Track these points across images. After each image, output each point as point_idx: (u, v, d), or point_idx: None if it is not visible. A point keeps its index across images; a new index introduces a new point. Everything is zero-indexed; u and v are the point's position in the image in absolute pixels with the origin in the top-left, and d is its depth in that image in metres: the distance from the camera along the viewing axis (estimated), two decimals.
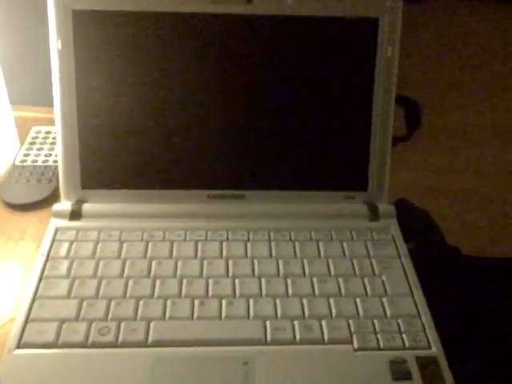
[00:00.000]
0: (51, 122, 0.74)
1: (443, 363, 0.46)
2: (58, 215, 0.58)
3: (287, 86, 0.58)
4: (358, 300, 0.51)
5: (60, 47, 0.55)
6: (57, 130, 0.57)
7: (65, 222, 0.57)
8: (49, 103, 0.70)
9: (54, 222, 0.57)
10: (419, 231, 0.64)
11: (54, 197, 0.63)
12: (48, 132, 0.74)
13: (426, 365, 0.46)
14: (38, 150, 0.71)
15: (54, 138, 0.72)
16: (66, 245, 0.55)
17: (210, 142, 0.58)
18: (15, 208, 0.63)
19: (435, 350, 0.47)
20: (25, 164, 0.68)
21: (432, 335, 0.48)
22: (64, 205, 0.58)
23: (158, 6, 0.55)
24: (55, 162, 0.68)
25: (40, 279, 0.51)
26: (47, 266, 0.53)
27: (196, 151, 0.58)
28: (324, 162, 0.60)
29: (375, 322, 0.49)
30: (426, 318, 0.50)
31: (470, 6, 2.52)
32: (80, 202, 0.58)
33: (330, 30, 0.57)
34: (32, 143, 0.72)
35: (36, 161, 0.69)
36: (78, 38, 0.55)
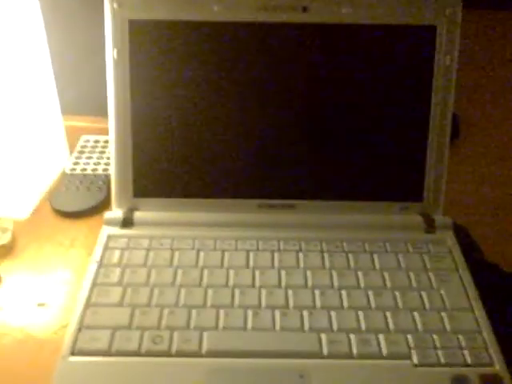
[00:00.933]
0: (100, 131, 0.76)
1: (508, 381, 0.44)
2: (110, 223, 0.58)
3: (343, 95, 0.57)
4: (415, 314, 0.49)
5: (116, 56, 0.55)
6: (110, 138, 0.57)
7: (116, 230, 0.57)
8: (97, 112, 0.71)
9: (105, 229, 0.57)
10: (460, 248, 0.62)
11: (103, 205, 0.64)
12: (97, 141, 0.75)
13: (490, 382, 0.44)
14: (87, 158, 0.72)
15: (102, 147, 0.73)
16: (117, 252, 0.55)
17: (260, 151, 0.58)
18: (65, 216, 0.64)
19: (498, 367, 0.45)
20: (74, 172, 0.69)
21: (495, 352, 0.46)
22: (116, 213, 0.58)
23: (212, 15, 0.55)
24: (104, 170, 0.69)
25: (93, 286, 0.51)
26: (100, 274, 0.53)
27: (247, 161, 0.58)
28: (378, 171, 0.58)
29: (434, 337, 0.47)
30: (488, 333, 0.48)
31: (509, 17, 2.48)
32: (131, 210, 0.58)
33: (386, 38, 0.56)
34: (81, 152, 0.73)
35: (85, 169, 0.70)
36: (134, 47, 0.55)
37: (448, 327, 0.48)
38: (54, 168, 0.70)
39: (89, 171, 0.70)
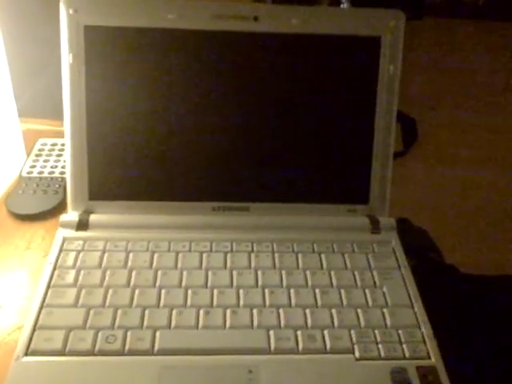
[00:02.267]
0: (57, 135, 0.76)
1: (442, 373, 0.47)
2: (66, 225, 0.59)
3: (292, 101, 0.59)
4: (359, 311, 0.52)
5: (71, 61, 0.56)
6: (66, 141, 0.58)
7: (72, 232, 0.58)
8: (54, 115, 0.71)
9: (61, 231, 0.58)
10: (418, 250, 0.65)
11: (59, 208, 0.65)
12: (54, 144, 0.75)
13: (426, 374, 0.47)
14: (44, 161, 0.72)
15: (60, 150, 0.74)
16: (73, 254, 0.56)
17: (215, 155, 0.59)
18: (22, 218, 0.64)
19: (434, 360, 0.49)
20: (31, 175, 0.69)
21: (431, 346, 0.50)
22: (71, 215, 0.59)
23: (166, 23, 0.56)
24: (61, 173, 0.70)
25: (48, 288, 0.52)
26: (54, 275, 0.54)
27: (202, 164, 0.60)
28: (327, 175, 0.61)
29: (376, 332, 0.50)
30: (426, 328, 0.51)
31: (464, 24, 2.56)
32: (87, 212, 0.59)
33: (333, 48, 0.58)
34: (38, 155, 0.73)
35: (42, 172, 0.70)
36: (90, 53, 0.56)
37: (389, 323, 0.51)
38: (11, 171, 0.71)
39: (46, 174, 0.70)
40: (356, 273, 0.56)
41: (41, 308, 0.50)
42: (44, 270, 0.54)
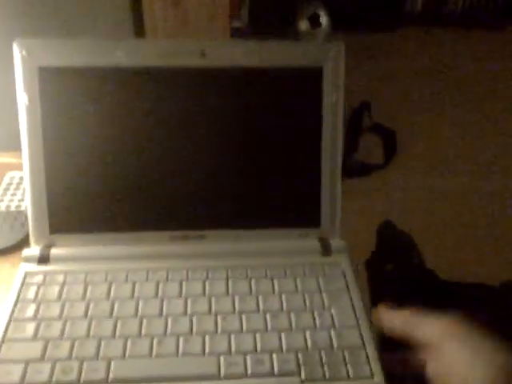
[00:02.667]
0: None
1: None
2: (28, 260, 0.61)
3: (240, 131, 0.62)
4: (307, 333, 0.54)
5: (27, 102, 0.59)
6: (25, 179, 0.60)
7: (34, 266, 0.60)
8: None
9: (23, 266, 0.60)
10: (400, 253, 0.67)
11: (25, 241, 0.65)
12: (22, 177, 0.77)
13: None
14: (12, 195, 0.73)
15: None
16: (34, 288, 0.58)
17: (170, 186, 0.62)
18: None
19: (377, 379, 0.51)
20: None
21: (375, 366, 0.52)
22: (33, 250, 0.61)
23: (114, 60, 0.59)
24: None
25: (9, 322, 0.55)
26: (16, 309, 0.56)
27: (158, 196, 0.62)
28: (278, 202, 0.63)
29: (322, 354, 0.53)
30: (370, 349, 0.53)
31: (441, 33, 2.58)
32: (48, 246, 0.61)
33: (278, 79, 0.61)
34: (6, 189, 0.75)
35: (10, 206, 0.71)
36: (45, 93, 0.59)
37: (335, 344, 0.54)
38: None
39: (13, 208, 0.71)
40: (306, 296, 0.58)
41: (2, 342, 0.53)
42: (6, 303, 0.56)
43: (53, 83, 0.59)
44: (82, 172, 0.61)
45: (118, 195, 0.62)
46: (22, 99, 0.59)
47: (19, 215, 0.70)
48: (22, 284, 0.59)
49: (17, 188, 0.75)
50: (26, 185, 0.61)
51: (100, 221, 0.62)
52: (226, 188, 0.63)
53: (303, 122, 0.62)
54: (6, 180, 0.77)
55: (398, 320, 0.52)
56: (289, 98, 0.62)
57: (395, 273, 0.60)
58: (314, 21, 2.15)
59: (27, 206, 0.61)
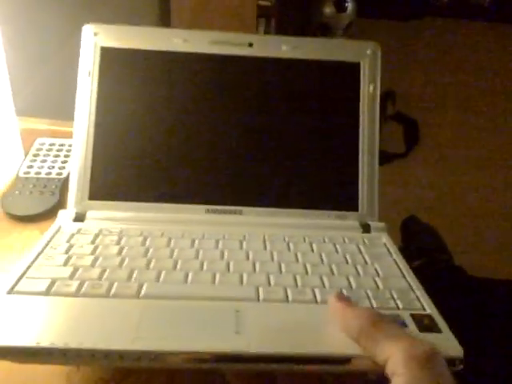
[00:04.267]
0: (55, 134, 0.78)
1: (439, 320, 0.45)
2: (63, 217, 0.60)
3: (283, 117, 0.65)
4: (350, 278, 0.51)
5: (87, 76, 0.64)
6: (74, 145, 0.62)
7: (69, 222, 0.60)
8: (52, 115, 0.73)
9: (58, 220, 0.60)
10: (428, 249, 0.64)
11: (55, 209, 0.64)
12: (52, 144, 0.75)
13: (422, 319, 0.45)
14: (42, 161, 0.72)
15: (57, 151, 0.75)
16: (67, 234, 0.57)
17: (211, 162, 0.63)
18: (17, 219, 0.65)
19: (430, 311, 0.47)
20: (28, 176, 0.69)
21: (426, 301, 0.48)
22: (69, 211, 0.61)
23: (171, 46, 0.65)
24: (58, 174, 0.70)
25: (38, 254, 0.52)
26: (47, 247, 0.54)
27: (198, 170, 0.63)
28: (317, 184, 0.64)
29: (368, 291, 0.49)
30: (420, 291, 0.50)
31: (469, 25, 2.57)
32: (85, 209, 0.61)
33: (320, 71, 0.66)
34: (36, 155, 0.73)
35: (39, 173, 0.70)
36: (104, 70, 0.64)
37: (381, 286, 0.50)
38: (9, 171, 0.70)
39: (43, 175, 0.69)
40: (347, 255, 0.56)
41: (29, 266, 0.50)
42: (37, 243, 0.55)
43: (112, 61, 0.64)
44: (127, 144, 0.63)
45: (159, 169, 0.63)
46: (84, 73, 0.64)
47: (49, 182, 0.68)
48: (56, 231, 0.57)
49: (46, 155, 0.72)
50: (75, 151, 0.62)
51: (138, 191, 0.62)
52: (266, 170, 0.64)
53: (342, 111, 0.65)
54: (36, 146, 0.74)
55: (354, 323, 0.42)
56: (329, 88, 0.66)
57: (423, 269, 0.58)
58: (340, 5, 2.18)
59: (72, 170, 0.62)
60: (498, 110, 2.17)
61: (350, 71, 0.66)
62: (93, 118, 0.63)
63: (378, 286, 0.50)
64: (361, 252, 0.57)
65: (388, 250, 0.58)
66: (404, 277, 0.52)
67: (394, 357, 0.37)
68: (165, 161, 0.63)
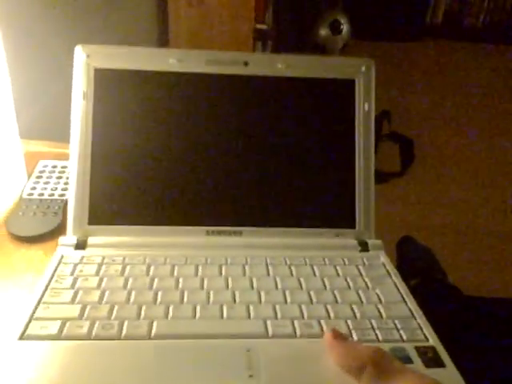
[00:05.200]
0: (57, 156, 0.79)
1: (442, 352, 0.47)
2: (64, 245, 0.60)
3: (279, 136, 0.65)
4: (354, 306, 0.53)
5: (82, 98, 0.63)
6: (71, 170, 0.62)
7: (71, 250, 0.60)
8: (54, 137, 0.73)
9: (60, 249, 0.60)
10: (423, 268, 0.66)
11: (59, 230, 0.65)
12: (54, 166, 0.77)
13: (425, 352, 0.47)
14: (45, 183, 0.73)
15: (60, 172, 0.76)
16: (70, 265, 0.57)
17: (210, 183, 0.63)
18: (21, 240, 0.65)
19: (432, 341, 0.49)
20: (31, 197, 0.70)
21: (428, 331, 0.50)
22: (69, 238, 0.61)
23: (166, 66, 0.64)
24: (61, 195, 0.71)
25: (45, 289, 0.53)
26: (52, 281, 0.54)
27: (196, 192, 0.63)
28: (314, 203, 0.65)
29: (373, 321, 0.51)
30: (421, 319, 0.52)
31: (463, 46, 2.61)
32: (85, 235, 0.61)
33: (315, 89, 0.66)
34: (39, 177, 0.74)
35: (42, 194, 0.71)
36: (98, 91, 0.63)
37: (384, 315, 0.52)
38: (12, 192, 0.71)
39: (46, 196, 0.70)
40: (348, 279, 0.57)
41: (37, 305, 0.50)
42: (42, 277, 0.55)
43: (106, 83, 0.63)
44: (125, 168, 0.63)
45: (158, 191, 0.63)
46: (78, 95, 0.63)
47: (52, 203, 0.69)
48: (59, 262, 0.57)
49: (49, 176, 0.73)
50: (72, 176, 0.62)
51: (138, 214, 0.62)
52: (263, 189, 0.64)
53: (338, 129, 0.66)
54: (39, 168, 0.76)
55: (355, 362, 0.42)
56: (324, 106, 0.66)
57: (419, 288, 0.59)
58: (335, 28, 2.21)
59: (70, 195, 0.62)
60: (492, 128, 2.20)
61: (345, 88, 0.66)
62: (89, 140, 0.62)
63: (381, 315, 0.52)
64: (361, 275, 0.58)
65: (387, 272, 0.59)
66: (405, 302, 0.54)
67: None
68: (163, 183, 0.63)
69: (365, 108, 0.66)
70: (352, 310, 0.52)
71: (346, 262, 0.60)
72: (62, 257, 0.58)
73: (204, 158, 0.64)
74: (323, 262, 0.60)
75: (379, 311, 0.52)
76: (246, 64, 0.65)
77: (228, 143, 0.64)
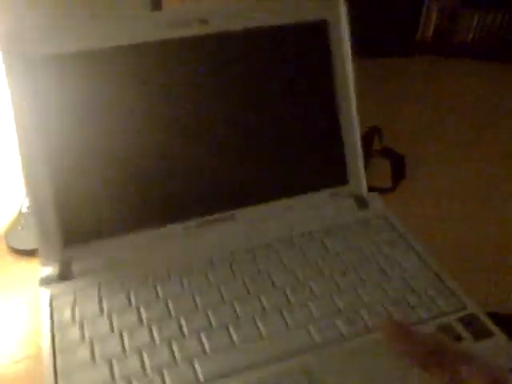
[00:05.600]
0: None
1: (485, 318, 0.48)
2: (47, 281, 0.52)
3: (253, 97, 0.57)
4: (384, 285, 0.51)
5: (12, 97, 0.50)
6: (26, 192, 0.52)
7: (56, 286, 0.52)
8: None
9: (44, 292, 0.51)
10: None
11: None
12: None
13: (470, 322, 0.47)
14: None
15: None
16: (67, 310, 0.49)
17: (189, 169, 0.56)
18: (21, 253, 0.66)
19: (471, 307, 0.49)
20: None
21: (462, 294, 0.50)
22: (48, 267, 0.52)
23: (109, 41, 0.52)
24: None
25: (54, 354, 0.45)
26: (56, 339, 0.47)
27: (174, 183, 0.56)
28: (302, 165, 0.60)
29: (409, 299, 0.50)
30: (449, 281, 0.51)
31: (454, 63, 2.62)
32: (65, 261, 0.53)
33: (284, 37, 0.57)
34: None
35: None
36: (32, 85, 0.51)
37: (416, 288, 0.51)
38: (12, 207, 0.73)
39: None
40: (364, 250, 0.55)
41: (55, 378, 0.44)
42: (42, 338, 0.47)
43: (41, 73, 0.51)
44: (89, 172, 0.53)
45: (131, 191, 0.55)
46: (8, 95, 0.50)
47: None
48: (52, 309, 0.50)
49: None
50: (29, 194, 0.52)
51: (117, 223, 0.55)
52: (248, 162, 0.58)
53: (315, 79, 0.59)
54: None
55: (418, 350, 0.41)
56: (297, 54, 0.58)
57: None
58: None
59: (33, 220, 0.52)
60: (483, 143, 2.16)
61: (317, 31, 0.59)
62: (37, 148, 0.52)
63: (412, 289, 0.51)
64: (373, 242, 0.56)
65: (395, 229, 0.58)
66: (428, 266, 0.53)
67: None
68: (135, 180, 0.55)
69: (341, 50, 0.59)
70: (383, 290, 0.51)
71: (354, 228, 0.58)
72: (52, 300, 0.51)
73: (175, 140, 0.56)
74: (329, 234, 0.57)
75: (409, 285, 0.51)
76: (204, 21, 0.55)
77: (196, 115, 0.56)
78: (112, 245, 0.55)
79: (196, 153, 0.56)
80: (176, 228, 0.56)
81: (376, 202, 0.61)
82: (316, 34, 0.58)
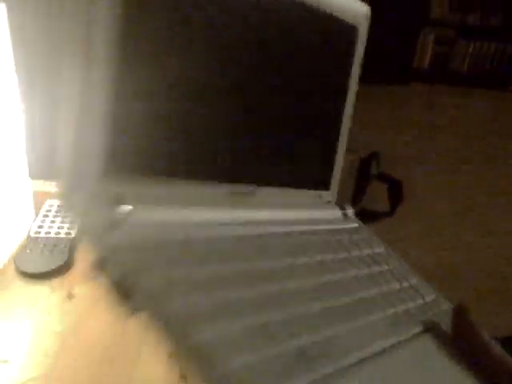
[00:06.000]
0: None
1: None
2: None
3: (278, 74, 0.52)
4: (396, 294, 0.50)
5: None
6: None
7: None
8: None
9: None
10: None
11: (64, 267, 0.69)
12: (61, 205, 0.76)
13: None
14: (51, 222, 0.76)
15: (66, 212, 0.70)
16: None
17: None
18: (29, 276, 0.67)
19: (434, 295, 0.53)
20: (38, 235, 0.74)
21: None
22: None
23: None
24: (67, 234, 0.75)
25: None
26: None
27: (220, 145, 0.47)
28: (302, 160, 0.58)
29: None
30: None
31: (449, 90, 2.57)
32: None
33: (325, 24, 0.55)
34: (45, 216, 0.78)
35: (49, 232, 0.74)
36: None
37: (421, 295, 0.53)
38: (21, 230, 0.74)
39: (52, 234, 0.74)
40: (364, 258, 0.54)
41: None
42: None
43: None
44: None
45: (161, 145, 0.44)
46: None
47: (58, 242, 0.72)
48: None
49: (55, 216, 0.77)
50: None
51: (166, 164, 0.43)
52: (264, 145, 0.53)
53: (336, 77, 0.59)
54: (45, 207, 0.79)
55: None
56: (330, 47, 0.57)
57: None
58: None
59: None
60: (478, 168, 2.24)
61: (350, 34, 0.59)
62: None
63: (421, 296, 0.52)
64: (366, 251, 0.56)
65: (371, 235, 0.59)
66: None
67: None
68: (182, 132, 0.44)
69: (357, 61, 0.61)
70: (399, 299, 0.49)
71: (346, 236, 0.57)
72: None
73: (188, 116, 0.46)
74: (324, 239, 0.54)
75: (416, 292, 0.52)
76: None
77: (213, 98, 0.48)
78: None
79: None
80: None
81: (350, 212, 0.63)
82: (348, 37, 0.59)
